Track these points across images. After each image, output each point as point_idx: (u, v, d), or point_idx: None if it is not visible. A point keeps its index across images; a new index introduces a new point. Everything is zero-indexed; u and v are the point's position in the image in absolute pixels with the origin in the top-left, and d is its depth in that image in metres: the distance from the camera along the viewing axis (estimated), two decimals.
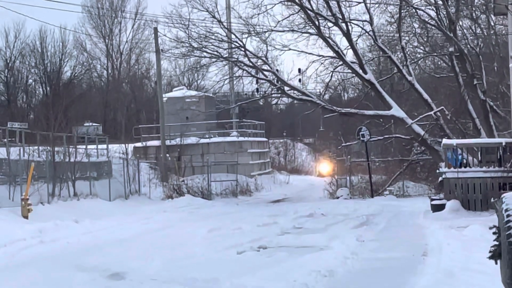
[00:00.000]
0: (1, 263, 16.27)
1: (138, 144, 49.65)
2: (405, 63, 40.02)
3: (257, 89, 47.83)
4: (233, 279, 13.73)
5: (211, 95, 54.67)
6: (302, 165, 67.52)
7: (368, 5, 39.83)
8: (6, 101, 68.56)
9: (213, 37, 42.88)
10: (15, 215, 25.90)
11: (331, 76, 43.48)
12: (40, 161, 32.04)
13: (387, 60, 42.51)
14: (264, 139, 57.92)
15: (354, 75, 42.45)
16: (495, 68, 39.32)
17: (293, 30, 41.33)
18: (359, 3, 39.88)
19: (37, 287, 13.07)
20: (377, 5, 40.76)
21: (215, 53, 43.24)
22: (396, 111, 39.51)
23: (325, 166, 49.39)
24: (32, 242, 19.81)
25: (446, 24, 38.77)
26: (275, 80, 43.01)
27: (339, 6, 39.82)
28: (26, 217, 26.03)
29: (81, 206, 31.24)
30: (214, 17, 42.49)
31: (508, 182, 25.82)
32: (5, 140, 32.91)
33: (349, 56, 41.40)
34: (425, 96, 39.54)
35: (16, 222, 24.33)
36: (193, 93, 54.51)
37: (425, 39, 43.68)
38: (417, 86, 39.86)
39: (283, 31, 41.50)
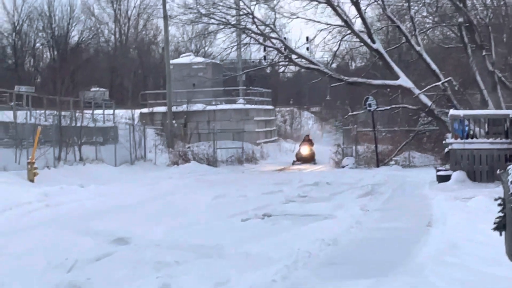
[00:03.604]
0: (7, 226, 16.35)
1: (145, 110, 49.58)
2: (413, 33, 39.84)
3: (264, 57, 47.77)
4: (237, 246, 13.77)
5: (218, 62, 54.49)
6: (309, 134, 67.53)
7: None
8: (13, 65, 68.49)
9: (221, 3, 42.75)
10: (21, 178, 25.99)
11: (339, 45, 43.34)
12: (47, 125, 32.09)
13: (395, 30, 42.28)
14: (271, 107, 57.83)
15: (362, 44, 42.27)
16: (504, 39, 39.14)
17: None
18: None
19: (42, 251, 13.11)
20: None
21: (223, 20, 43.11)
22: (404, 81, 39.39)
23: (305, 148, 45.81)
24: (38, 206, 19.90)
25: None
26: (283, 48, 42.90)
27: None
28: (32, 180, 26.12)
29: (86, 171, 31.35)
30: None
31: None
32: (12, 103, 32.94)
33: (358, 25, 41.20)
34: (433, 66, 39.38)
35: (22, 185, 24.41)
36: (200, 59, 54.34)
37: (435, 9, 43.40)
38: (425, 56, 39.69)
39: None
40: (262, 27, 42.28)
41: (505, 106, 34.96)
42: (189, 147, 42.36)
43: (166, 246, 13.65)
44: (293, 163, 43.94)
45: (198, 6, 42.81)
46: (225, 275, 11.26)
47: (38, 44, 72.99)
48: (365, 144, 42.56)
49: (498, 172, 22.89)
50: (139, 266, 11.94)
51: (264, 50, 45.77)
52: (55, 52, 69.26)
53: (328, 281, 10.76)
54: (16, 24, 69.50)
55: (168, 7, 45.81)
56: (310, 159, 44.28)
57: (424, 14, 43.98)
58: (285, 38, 43.36)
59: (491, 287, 9.59)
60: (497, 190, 11.80)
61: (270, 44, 43.28)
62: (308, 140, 46.42)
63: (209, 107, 48.91)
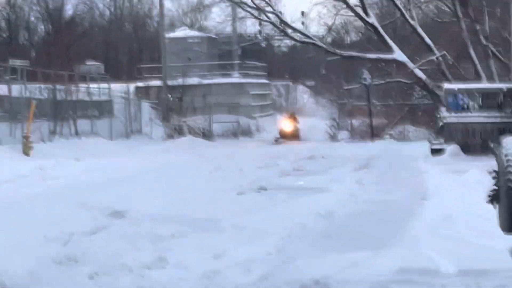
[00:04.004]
0: (2, 199, 16.33)
1: (140, 84, 49.47)
2: (408, 7, 39.87)
3: (259, 31, 47.67)
4: (233, 219, 13.78)
5: (213, 36, 54.41)
6: (303, 108, 67.45)
7: None
8: (7, 38, 68.16)
9: None
10: (16, 152, 25.98)
11: (334, 19, 43.40)
12: (42, 99, 32.05)
13: (390, 4, 42.19)
14: (266, 81, 57.76)
15: (357, 18, 42.35)
16: (498, 13, 39.11)
17: None
18: None
19: (38, 225, 13.12)
20: None
21: None
22: (399, 55, 39.47)
23: (288, 125, 43.38)
24: (33, 179, 19.89)
25: None
26: (278, 22, 42.88)
27: None
28: (27, 154, 26.12)
29: (82, 145, 31.34)
30: None
31: (508, 127, 25.81)
32: (7, 77, 32.83)
33: None
34: (428, 40, 39.45)
35: (17, 159, 24.41)
36: (196, 33, 54.30)
37: None
38: (420, 30, 39.74)
39: None
40: (257, 1, 42.24)
41: (498, 79, 35.01)
42: (184, 121, 42.36)
43: (163, 220, 13.67)
44: (276, 140, 41.78)
45: None
46: (222, 248, 11.28)
47: (32, 18, 72.63)
48: (360, 118, 42.61)
49: (491, 145, 23.01)
50: (136, 239, 11.95)
51: (260, 24, 45.76)
52: (50, 26, 68.86)
53: (323, 253, 10.78)
54: None
55: None
56: (294, 136, 41.94)
57: None
58: (280, 12, 43.27)
59: (486, 259, 9.64)
60: (491, 164, 11.81)
61: (266, 18, 43.26)
62: (292, 117, 44.04)
63: (204, 81, 48.85)
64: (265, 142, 41.28)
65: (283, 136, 41.95)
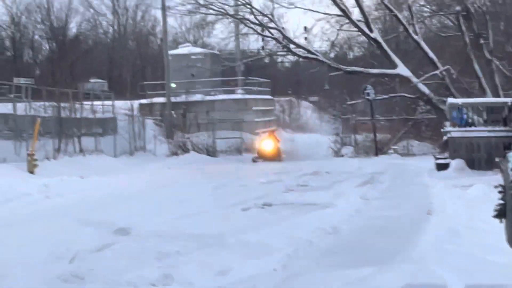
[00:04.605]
0: (7, 217, 16.35)
1: (144, 101, 49.49)
2: (411, 21, 39.91)
3: (262, 47, 47.73)
4: (238, 235, 13.77)
5: (216, 52, 54.51)
6: (306, 123, 67.58)
7: None
8: (12, 57, 68.44)
9: None
10: (21, 170, 26.00)
11: (337, 34, 43.42)
12: (46, 117, 32.14)
13: (393, 19, 42.23)
14: (269, 97, 57.78)
15: (360, 33, 42.34)
16: (502, 27, 39.17)
17: None
18: None
19: (43, 242, 13.12)
20: None
21: (221, 10, 43.22)
22: (402, 70, 39.48)
23: (268, 143, 39.52)
24: (38, 197, 19.89)
25: None
26: (281, 38, 42.95)
27: None
28: (32, 172, 26.13)
29: (86, 162, 31.35)
30: None
31: None
32: (12, 95, 32.92)
33: (355, 14, 41.26)
34: (431, 55, 39.47)
35: (22, 177, 24.42)
36: (199, 50, 54.38)
37: None
38: (423, 45, 39.77)
39: None
40: (260, 17, 42.38)
41: (503, 94, 35.03)
42: (188, 138, 42.35)
43: (168, 236, 13.65)
44: (254, 160, 38.38)
45: None
46: (227, 264, 11.27)
47: (36, 36, 72.95)
48: (363, 133, 42.61)
49: (497, 159, 22.96)
50: (141, 256, 11.94)
51: (263, 40, 45.84)
52: (54, 44, 69.17)
53: (329, 270, 10.77)
54: (14, 16, 69.47)
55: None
56: (274, 156, 38.57)
57: (422, 2, 44.10)
58: (283, 28, 43.35)
59: (493, 274, 9.61)
60: (496, 178, 11.76)
61: (269, 34, 43.34)
62: (272, 135, 40.46)
63: (208, 97, 48.88)
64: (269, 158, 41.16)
65: (262, 156, 38.72)
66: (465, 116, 27.88)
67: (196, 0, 42.84)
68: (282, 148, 40.16)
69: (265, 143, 39.44)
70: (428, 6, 44.35)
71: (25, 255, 12.03)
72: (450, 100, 29.97)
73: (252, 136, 46.74)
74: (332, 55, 46.25)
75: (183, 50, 53.93)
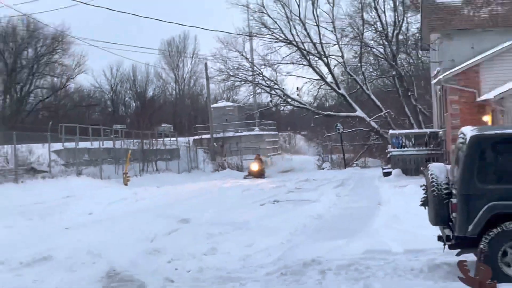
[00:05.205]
0: (111, 213, 16.42)
1: (196, 137, 49.41)
2: (364, 82, 40.03)
3: (270, 100, 47.93)
4: (258, 221, 13.82)
5: (241, 105, 54.55)
6: (300, 149, 67.16)
7: (341, 45, 40.03)
8: (112, 111, 68.67)
9: (242, 68, 43.19)
10: (119, 183, 26.12)
11: (318, 91, 43.67)
12: (135, 149, 32.30)
13: (353, 81, 42.31)
14: (275, 132, 57.58)
15: (332, 90, 42.51)
16: (422, 84, 39.24)
17: (292, 63, 41.68)
18: (335, 44, 39.98)
19: (134, 230, 13.17)
20: (346, 46, 40.78)
21: (244, 78, 43.63)
22: (360, 113, 39.67)
23: (255, 165, 34.77)
24: (130, 201, 19.95)
25: (390, 57, 38.89)
26: (282, 95, 43.23)
27: (322, 47, 39.99)
28: (126, 184, 26.23)
29: (160, 177, 31.42)
30: (242, 55, 42.93)
31: (431, 157, 25.73)
32: (112, 136, 33.17)
33: (329, 78, 41.47)
34: (377, 103, 39.66)
35: (120, 188, 24.53)
36: (230, 104, 54.33)
37: (377, 67, 43.65)
38: (372, 97, 39.95)
39: (286, 63, 41.82)
40: (268, 82, 42.70)
41: (424, 127, 34.97)
42: (225, 159, 42.24)
43: (213, 223, 13.68)
44: (245, 177, 33.84)
45: (227, 70, 43.43)
46: (251, 240, 11.29)
47: (127, 98, 73.18)
48: (336, 154, 42.43)
49: (421, 169, 22.95)
50: (196, 236, 11.98)
51: (270, 96, 46.08)
52: (138, 102, 69.38)
53: (317, 241, 10.76)
54: (112, 85, 69.90)
55: (209, 71, 45.92)
56: (259, 174, 33.78)
57: (371, 70, 44.21)
58: (283, 88, 43.67)
59: (421, 242, 9.58)
60: (421, 181, 11.71)
61: (274, 93, 43.60)
62: (258, 159, 35.82)
63: (236, 134, 48.86)
64: (276, 171, 41.00)
65: (251, 174, 34.06)
66: (401, 142, 27.85)
67: (227, 73, 43.28)
68: (265, 169, 35.86)
69: (253, 165, 34.85)
70: (375, 72, 44.50)
71: (122, 238, 12.08)
72: (391, 131, 30.00)
73: (265, 158, 46.67)
74: (315, 104, 46.28)
75: (220, 104, 53.92)
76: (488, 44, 23.61)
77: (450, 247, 7.88)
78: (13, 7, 43.00)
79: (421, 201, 8.67)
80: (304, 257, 9.11)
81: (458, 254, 7.91)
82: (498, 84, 21.10)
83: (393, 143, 27.77)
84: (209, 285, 7.94)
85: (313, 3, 39.53)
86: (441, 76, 23.59)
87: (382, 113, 39.10)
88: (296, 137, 71.36)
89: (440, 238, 8.23)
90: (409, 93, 38.21)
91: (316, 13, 39.62)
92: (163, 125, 53.37)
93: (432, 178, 8.07)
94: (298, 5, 39.68)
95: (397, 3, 38.92)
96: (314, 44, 39.94)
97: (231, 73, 43.25)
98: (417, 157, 26.42)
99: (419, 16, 33.46)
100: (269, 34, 40.87)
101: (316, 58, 40.65)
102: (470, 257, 7.90)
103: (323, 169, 39.11)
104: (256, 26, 41.62)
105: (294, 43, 40.01)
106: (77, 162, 26.45)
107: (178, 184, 28.23)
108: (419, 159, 26.10)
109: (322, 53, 40.11)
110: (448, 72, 23.21)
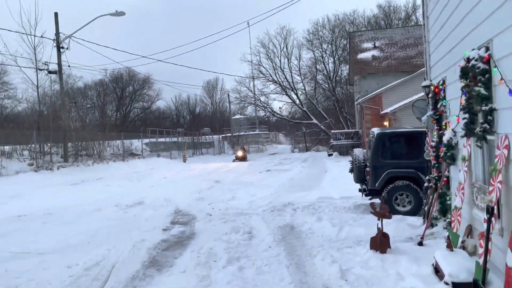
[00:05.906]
0: (175, 178, 16.37)
1: (223, 135, 49.22)
2: (317, 103, 39.77)
3: (265, 113, 47.67)
4: (258, 181, 13.74)
5: (248, 117, 54.30)
6: (281, 141, 66.84)
7: (304, 83, 39.87)
8: (176, 121, 67.93)
9: (248, 96, 43.00)
10: (180, 161, 25.99)
11: (291, 109, 43.47)
12: (189, 142, 32.09)
13: (311, 103, 42.13)
14: (267, 132, 57.12)
15: (300, 108, 42.27)
16: (349, 104, 38.94)
17: (277, 93, 41.47)
18: (301, 82, 40.02)
19: (188, 187, 13.15)
20: (307, 83, 40.58)
21: (250, 102, 43.45)
22: (314, 121, 39.33)
23: (240, 152, 29.29)
24: (187, 172, 19.89)
25: (331, 89, 38.57)
26: (271, 110, 42.96)
27: (293, 84, 39.77)
28: (184, 162, 26.10)
29: (203, 158, 31.28)
30: (248, 89, 42.67)
31: (355, 145, 25.59)
32: (177, 134, 33.04)
33: (297, 101, 41.24)
34: (324, 115, 39.39)
35: (181, 163, 24.44)
36: (242, 117, 53.99)
37: (324, 95, 43.20)
38: (322, 112, 39.62)
39: (274, 93, 41.59)
40: (264, 104, 42.63)
41: (351, 128, 34.71)
42: (239, 147, 42.03)
43: (233, 183, 13.66)
44: (233, 161, 28.35)
45: (240, 98, 43.35)
46: (254, 192, 11.26)
47: (184, 113, 72.41)
48: (302, 144, 42.25)
49: (350, 152, 22.86)
50: (223, 190, 11.96)
51: (264, 112, 45.79)
52: (191, 116, 68.86)
53: (291, 192, 10.72)
54: (176, 106, 69.25)
55: (230, 98, 45.75)
56: (243, 158, 28.47)
57: (321, 96, 43.89)
58: (272, 107, 43.47)
59: (350, 192, 9.56)
60: (349, 158, 11.75)
61: (267, 110, 43.41)
62: (242, 148, 30.51)
63: (245, 133, 48.68)
64: (268, 153, 40.71)
65: (237, 158, 28.58)
66: (338, 137, 27.69)
67: (240, 99, 43.21)
68: (247, 154, 30.92)
69: (239, 152, 29.79)
70: (323, 97, 44.21)
71: (181, 192, 12.07)
72: (332, 131, 29.75)
73: (263, 146, 46.28)
74: (289, 116, 46.11)
75: (236, 116, 53.57)
76: (387, 81, 23.79)
77: (365, 195, 7.94)
78: (121, 63, 43.10)
79: (349, 169, 8.68)
80: (284, 201, 9.14)
81: (370, 199, 7.97)
82: (392, 104, 21.04)
83: (333, 138, 27.66)
84: (231, 217, 7.96)
85: (288, 60, 39.64)
86: (360, 100, 23.52)
87: (327, 121, 38.93)
88: (279, 135, 71.01)
89: (360, 190, 8.28)
90: (342, 110, 38.04)
91: (290, 65, 40.14)
92: (204, 128, 53.21)
93: (355, 156, 8.12)
94: (280, 61, 39.61)
95: (335, 59, 38.83)
96: (288, 82, 39.84)
97: (242, 99, 43.12)
98: (347, 145, 26.30)
99: (347, 66, 33.29)
100: (263, 77, 40.80)
101: (290, 90, 40.49)
102: (377, 200, 7.92)
103: (294, 152, 38.94)
104: (256, 72, 41.46)
105: (278, 82, 39.89)
106: (157, 149, 26.48)
107: (215, 162, 28.25)
108: (348, 146, 25.98)
109: (293, 87, 39.96)
110: (364, 98, 23.22)
